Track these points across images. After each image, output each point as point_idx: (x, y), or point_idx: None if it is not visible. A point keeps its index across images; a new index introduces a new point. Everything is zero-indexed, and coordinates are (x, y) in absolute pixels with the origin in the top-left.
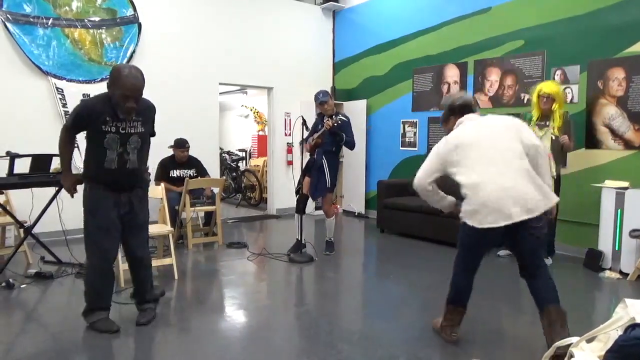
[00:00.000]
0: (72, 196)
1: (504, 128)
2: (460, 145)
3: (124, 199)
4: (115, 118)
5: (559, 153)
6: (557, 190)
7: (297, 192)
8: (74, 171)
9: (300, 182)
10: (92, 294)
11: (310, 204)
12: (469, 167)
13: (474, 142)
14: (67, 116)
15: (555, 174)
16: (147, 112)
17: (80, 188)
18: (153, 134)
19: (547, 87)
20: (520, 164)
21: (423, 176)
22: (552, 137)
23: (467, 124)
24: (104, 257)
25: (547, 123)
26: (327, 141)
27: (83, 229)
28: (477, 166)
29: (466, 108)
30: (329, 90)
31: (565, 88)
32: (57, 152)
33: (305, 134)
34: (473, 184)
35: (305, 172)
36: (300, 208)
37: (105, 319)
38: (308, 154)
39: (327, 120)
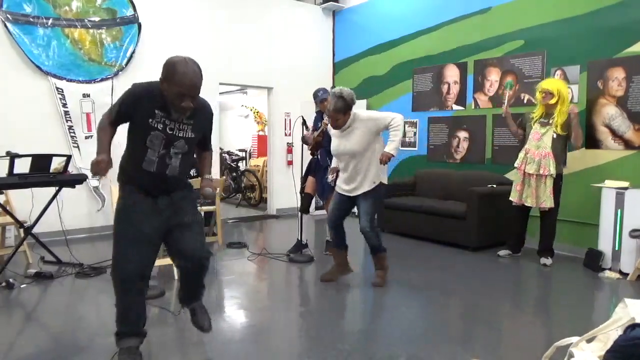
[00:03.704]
0: (105, 172)
1: None
2: None
3: (163, 204)
4: (165, 114)
5: (561, 152)
6: (557, 191)
7: (301, 192)
8: (73, 171)
9: (303, 182)
10: (118, 314)
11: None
12: None
13: None
14: (66, 117)
15: (554, 173)
16: (201, 115)
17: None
18: (206, 146)
19: (547, 83)
20: None
21: None
22: (553, 136)
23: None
24: (127, 271)
25: (550, 121)
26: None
27: (113, 238)
28: None
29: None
30: (329, 90)
31: None
32: (56, 152)
33: (306, 133)
34: None
35: (307, 172)
36: (305, 208)
37: (129, 349)
38: (309, 153)
39: (326, 119)
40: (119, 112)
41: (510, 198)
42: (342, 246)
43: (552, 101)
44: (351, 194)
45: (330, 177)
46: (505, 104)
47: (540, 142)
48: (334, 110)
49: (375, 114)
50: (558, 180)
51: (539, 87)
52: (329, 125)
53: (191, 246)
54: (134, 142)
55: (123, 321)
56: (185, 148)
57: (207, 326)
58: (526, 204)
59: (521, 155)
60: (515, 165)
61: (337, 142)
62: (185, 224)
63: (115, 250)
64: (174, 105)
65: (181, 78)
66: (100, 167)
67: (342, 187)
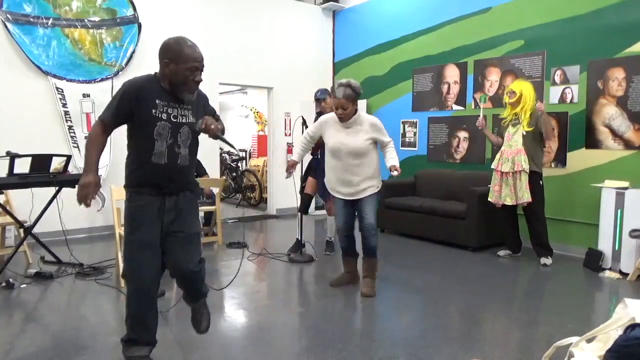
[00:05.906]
0: (88, 204)
1: None
2: None
3: (169, 205)
4: (165, 102)
5: (534, 149)
6: (539, 189)
7: (301, 192)
8: (73, 171)
9: (303, 182)
10: (132, 322)
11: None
12: None
13: None
14: (66, 117)
15: (527, 168)
16: (197, 99)
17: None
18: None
19: (512, 84)
20: None
21: None
22: (523, 133)
23: None
24: (144, 277)
25: (520, 121)
26: None
27: (123, 244)
28: None
29: None
30: (329, 90)
31: (565, 88)
32: (56, 152)
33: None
34: None
35: (307, 172)
36: (305, 208)
37: (142, 357)
38: (310, 153)
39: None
40: (118, 110)
41: (488, 199)
42: (354, 254)
43: (513, 100)
44: (354, 197)
45: (287, 174)
46: (481, 116)
47: (511, 141)
48: (344, 97)
49: (380, 124)
50: (537, 179)
51: (506, 90)
52: (326, 112)
53: (182, 257)
54: (140, 138)
55: (138, 328)
56: (190, 135)
57: (203, 328)
58: (506, 204)
59: (497, 156)
60: (492, 167)
61: (341, 137)
62: (184, 235)
63: (129, 256)
64: (186, 84)
65: (191, 52)
66: (88, 191)
67: (342, 191)
